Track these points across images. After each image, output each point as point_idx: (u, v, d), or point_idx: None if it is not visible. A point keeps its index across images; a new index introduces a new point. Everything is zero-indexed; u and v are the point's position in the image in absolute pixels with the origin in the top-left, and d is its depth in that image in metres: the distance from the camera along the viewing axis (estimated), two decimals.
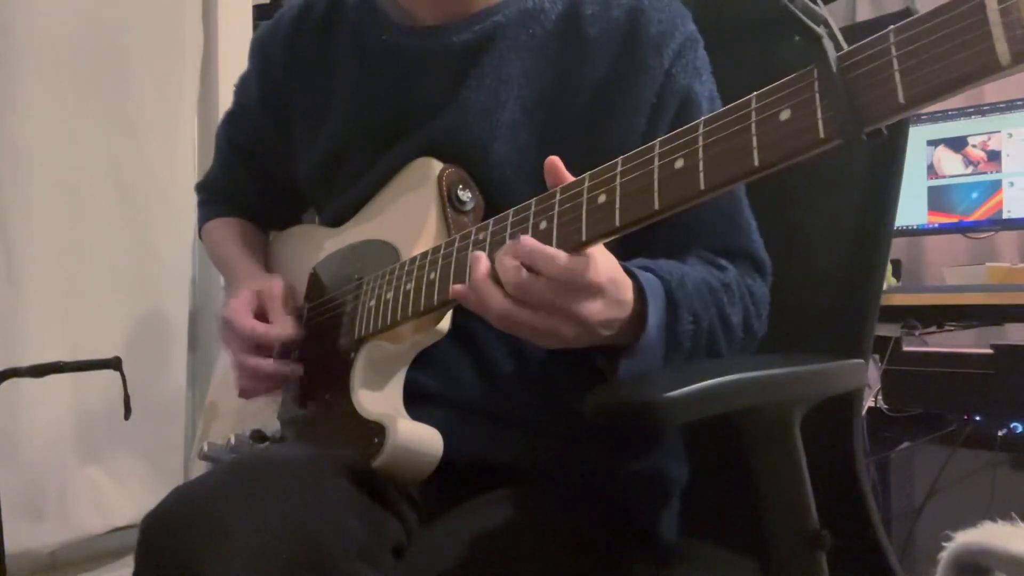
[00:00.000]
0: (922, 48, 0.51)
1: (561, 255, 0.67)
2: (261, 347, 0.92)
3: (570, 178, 0.71)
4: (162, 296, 1.83)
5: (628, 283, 0.73)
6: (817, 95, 0.55)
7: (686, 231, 0.87)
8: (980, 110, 2.10)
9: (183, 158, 1.88)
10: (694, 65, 0.90)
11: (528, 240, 0.69)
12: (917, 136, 2.12)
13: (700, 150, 0.61)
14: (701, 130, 0.62)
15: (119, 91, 1.75)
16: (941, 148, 2.13)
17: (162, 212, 1.81)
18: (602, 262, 0.70)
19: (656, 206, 0.64)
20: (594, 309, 0.69)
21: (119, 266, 1.75)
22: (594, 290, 0.69)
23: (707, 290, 0.81)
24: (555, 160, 0.72)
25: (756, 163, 0.58)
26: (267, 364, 0.91)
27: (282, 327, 0.92)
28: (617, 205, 0.66)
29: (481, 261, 0.72)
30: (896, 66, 0.52)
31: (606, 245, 0.71)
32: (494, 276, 0.70)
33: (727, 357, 0.83)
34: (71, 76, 1.67)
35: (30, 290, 1.59)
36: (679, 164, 0.63)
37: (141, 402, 1.46)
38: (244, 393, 0.96)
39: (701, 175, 0.61)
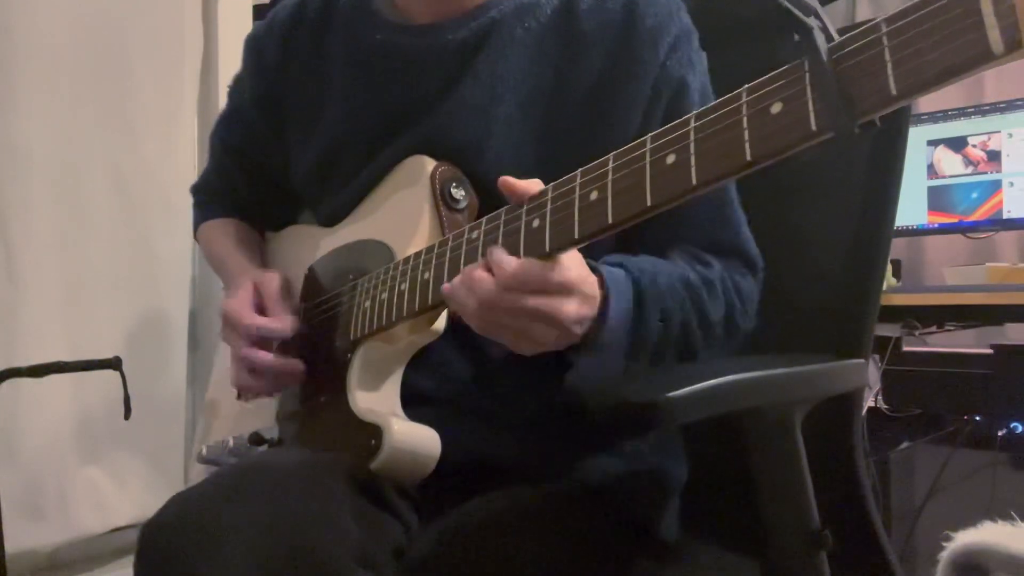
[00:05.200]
0: (913, 38, 0.50)
1: (510, 262, 0.68)
2: (261, 342, 0.91)
3: (530, 190, 0.71)
4: (162, 296, 1.83)
5: (594, 279, 0.74)
6: (808, 87, 0.55)
7: (674, 227, 0.86)
8: (980, 110, 2.10)
9: (183, 158, 1.88)
10: (688, 57, 0.90)
11: (492, 249, 0.70)
12: (917, 136, 2.12)
13: (692, 145, 0.61)
14: (692, 124, 0.61)
15: (119, 91, 1.76)
16: (941, 148, 2.13)
17: (162, 212, 1.81)
18: (567, 261, 0.70)
19: (648, 202, 0.63)
20: (571, 308, 0.70)
21: (119, 266, 1.75)
22: (567, 289, 0.69)
23: (682, 286, 0.81)
24: (506, 179, 0.73)
25: (748, 157, 0.58)
26: (267, 358, 0.90)
27: (280, 322, 0.91)
28: (609, 202, 0.66)
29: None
30: (888, 57, 0.51)
31: (600, 241, 0.71)
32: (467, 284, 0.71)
33: (704, 355, 0.83)
34: (71, 76, 1.67)
35: (30, 290, 1.59)
36: (671, 160, 0.62)
37: (141, 402, 1.46)
38: (243, 390, 0.95)
39: (693, 170, 0.61)
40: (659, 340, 0.79)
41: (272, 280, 0.96)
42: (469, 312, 0.71)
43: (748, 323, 0.88)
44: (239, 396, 1.05)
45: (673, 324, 0.79)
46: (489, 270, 0.70)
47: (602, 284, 0.74)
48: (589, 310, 0.72)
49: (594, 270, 0.75)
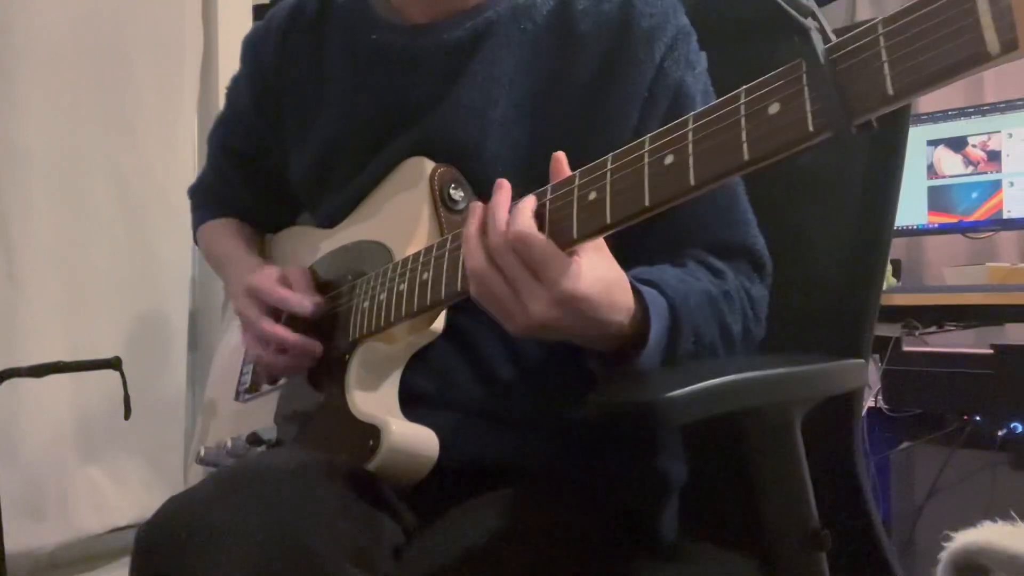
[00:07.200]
0: (910, 39, 0.50)
1: (540, 241, 0.67)
2: (280, 317, 0.91)
3: (566, 174, 0.71)
4: (162, 296, 1.83)
5: (621, 305, 0.72)
6: (806, 88, 0.55)
7: (682, 227, 0.86)
8: (980, 110, 2.10)
9: (183, 158, 1.88)
10: (687, 58, 0.89)
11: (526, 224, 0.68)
12: (917, 136, 2.12)
13: (690, 145, 0.61)
14: (691, 125, 0.62)
15: (119, 91, 1.76)
16: (941, 148, 2.13)
17: (162, 212, 1.81)
18: (586, 271, 0.68)
19: (647, 202, 0.64)
20: (539, 309, 0.68)
21: (119, 266, 1.75)
22: (565, 296, 0.67)
23: (708, 302, 0.80)
24: (560, 156, 0.72)
25: (746, 157, 0.58)
26: (291, 335, 0.90)
27: (312, 299, 0.91)
28: (608, 202, 0.66)
29: (476, 213, 0.72)
30: (884, 57, 0.52)
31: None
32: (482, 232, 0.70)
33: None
34: (71, 76, 1.67)
35: (30, 290, 1.59)
36: (669, 160, 0.62)
37: (141, 402, 1.46)
38: (257, 364, 0.97)
39: (691, 171, 0.61)
40: (688, 359, 0.78)
41: (297, 268, 0.97)
42: (474, 261, 0.70)
43: (760, 332, 0.88)
44: (237, 397, 1.05)
45: (703, 344, 0.79)
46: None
47: (642, 307, 0.73)
48: (582, 327, 0.69)
49: (634, 290, 0.74)
